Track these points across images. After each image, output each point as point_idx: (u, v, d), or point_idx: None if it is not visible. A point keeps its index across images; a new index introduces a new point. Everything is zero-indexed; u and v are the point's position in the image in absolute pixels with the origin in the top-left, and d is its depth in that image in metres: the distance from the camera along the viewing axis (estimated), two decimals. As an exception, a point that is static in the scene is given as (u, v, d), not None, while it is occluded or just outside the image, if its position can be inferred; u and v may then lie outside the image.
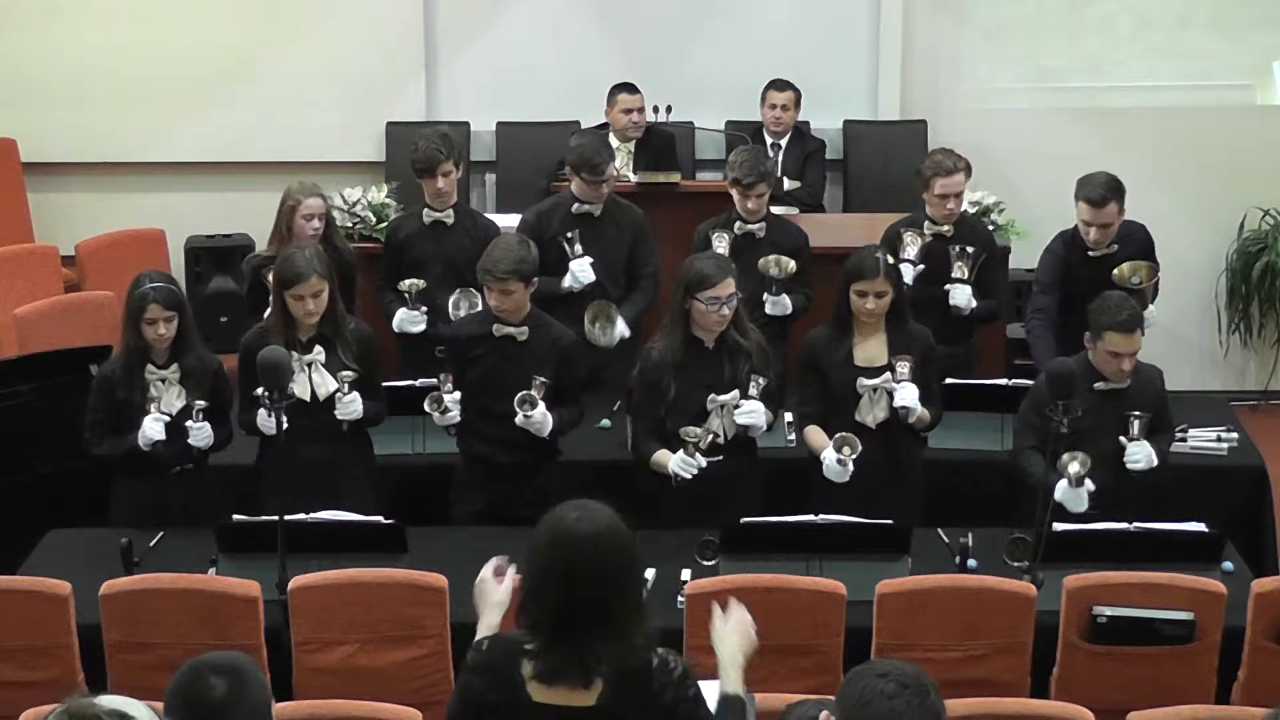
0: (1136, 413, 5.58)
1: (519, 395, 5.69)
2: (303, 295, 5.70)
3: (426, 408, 5.80)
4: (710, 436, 5.56)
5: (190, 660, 3.18)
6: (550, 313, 6.68)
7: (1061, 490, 5.36)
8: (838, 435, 5.63)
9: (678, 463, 5.56)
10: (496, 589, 3.80)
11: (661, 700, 3.46)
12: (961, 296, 6.58)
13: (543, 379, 5.71)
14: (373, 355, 5.88)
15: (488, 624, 3.74)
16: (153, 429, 5.67)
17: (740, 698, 3.65)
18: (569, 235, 6.67)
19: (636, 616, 3.45)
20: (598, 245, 6.72)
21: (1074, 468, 5.36)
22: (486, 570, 3.83)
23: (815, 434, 5.80)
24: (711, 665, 4.82)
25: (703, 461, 5.55)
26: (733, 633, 3.73)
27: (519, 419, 5.70)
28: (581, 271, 6.67)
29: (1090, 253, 6.57)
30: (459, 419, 5.82)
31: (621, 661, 3.42)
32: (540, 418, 5.72)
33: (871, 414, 5.76)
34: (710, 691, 4.18)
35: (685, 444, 5.54)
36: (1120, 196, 6.52)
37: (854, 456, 5.57)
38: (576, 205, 6.81)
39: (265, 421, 5.57)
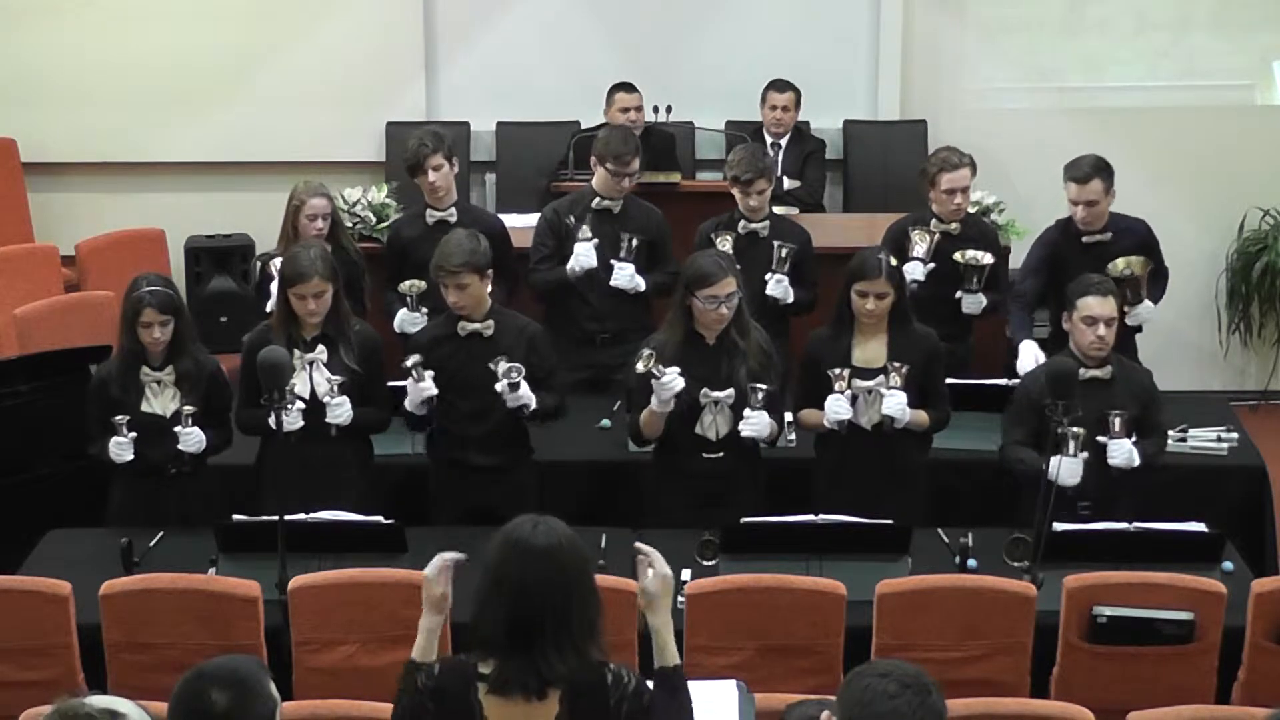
0: (1117, 411, 5.57)
1: (504, 368, 5.65)
2: (305, 295, 5.70)
3: (408, 365, 5.69)
4: (650, 357, 5.54)
5: (195, 668, 3.15)
6: (561, 304, 6.68)
7: (1057, 464, 5.26)
8: (830, 372, 5.67)
9: (659, 389, 5.56)
10: (435, 589, 3.68)
11: (618, 714, 3.45)
12: (975, 305, 6.63)
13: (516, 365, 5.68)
14: (375, 359, 5.87)
15: (424, 629, 3.64)
16: (119, 452, 5.67)
17: (680, 667, 3.57)
18: (577, 219, 6.65)
19: (591, 630, 3.41)
20: (615, 243, 6.72)
21: (1074, 434, 5.33)
22: (431, 568, 3.70)
23: (810, 413, 5.83)
24: (711, 665, 4.86)
25: (674, 370, 5.53)
26: (661, 593, 3.59)
27: (502, 384, 5.64)
28: (584, 255, 6.67)
29: (1084, 239, 6.60)
30: (435, 391, 5.74)
31: (576, 676, 3.39)
32: (525, 393, 5.69)
33: (866, 415, 5.76)
34: (712, 691, 4.19)
35: (649, 374, 5.54)
36: (1106, 176, 6.56)
37: (851, 391, 5.66)
38: (597, 200, 6.80)
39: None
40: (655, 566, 3.65)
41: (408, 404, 5.80)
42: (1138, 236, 6.68)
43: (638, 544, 3.71)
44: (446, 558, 3.74)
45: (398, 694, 3.59)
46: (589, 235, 6.68)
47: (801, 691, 4.34)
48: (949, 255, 6.64)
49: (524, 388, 5.67)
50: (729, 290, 5.59)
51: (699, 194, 7.65)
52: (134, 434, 5.67)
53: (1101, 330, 5.61)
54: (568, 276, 6.72)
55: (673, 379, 5.55)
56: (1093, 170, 6.56)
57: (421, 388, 5.72)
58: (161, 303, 5.67)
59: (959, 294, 6.63)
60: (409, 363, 5.73)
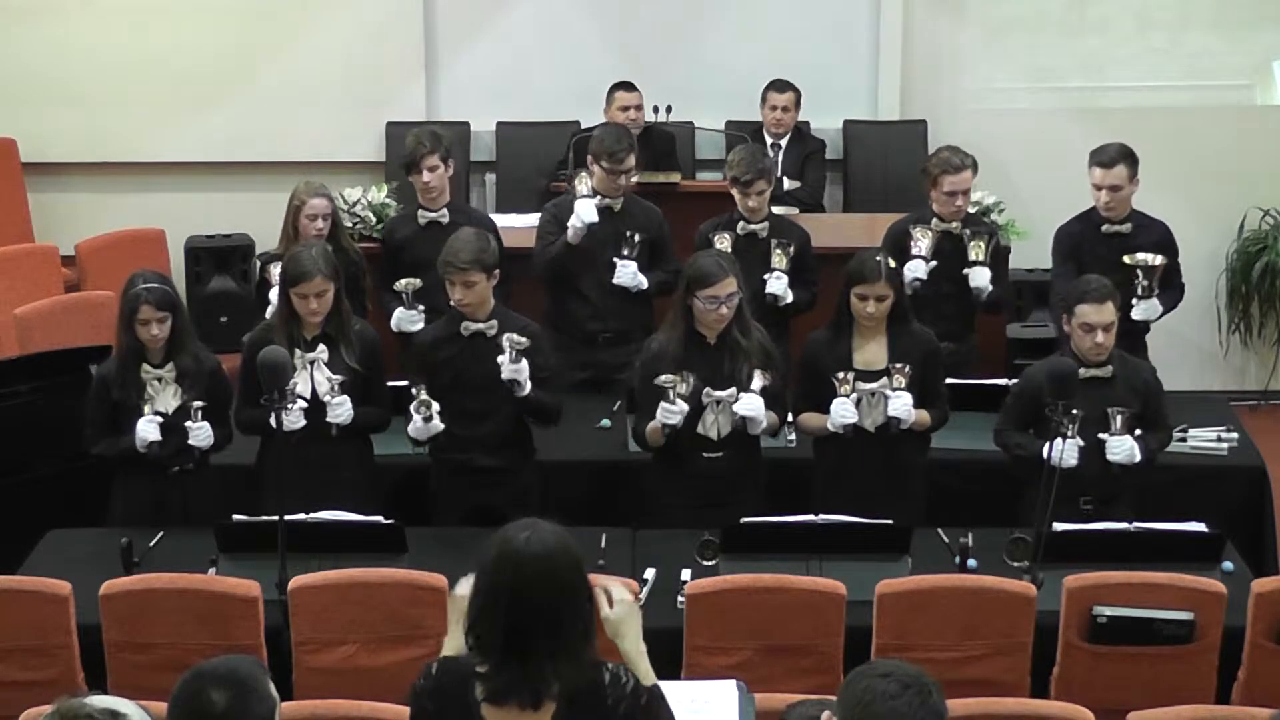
0: (1119, 408, 5.57)
1: (510, 338, 5.64)
2: (307, 294, 5.71)
3: (414, 411, 5.69)
4: (684, 383, 5.55)
5: (194, 668, 3.15)
6: (562, 303, 6.64)
7: (1055, 448, 5.26)
8: (834, 376, 5.67)
9: (661, 411, 5.56)
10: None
11: (616, 714, 3.44)
12: (982, 278, 6.59)
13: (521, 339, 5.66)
14: (376, 358, 5.87)
15: (455, 646, 3.60)
16: (146, 430, 5.67)
17: (658, 687, 3.54)
18: (582, 172, 6.64)
19: (585, 637, 3.39)
20: (617, 242, 6.71)
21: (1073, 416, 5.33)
22: (463, 586, 3.64)
23: (810, 416, 5.83)
24: (711, 665, 4.86)
25: (683, 406, 5.55)
26: (626, 619, 3.54)
27: (508, 357, 5.62)
28: (585, 210, 6.64)
29: (1103, 229, 6.63)
30: (441, 427, 5.73)
31: (571, 681, 3.38)
32: (523, 367, 5.67)
33: (870, 417, 5.76)
34: (712, 691, 4.19)
35: (662, 391, 5.55)
36: (1130, 163, 6.61)
37: (855, 394, 5.65)
38: (598, 199, 6.79)
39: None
40: (614, 593, 3.58)
41: (411, 432, 5.78)
42: (1157, 236, 6.69)
43: (593, 577, 3.59)
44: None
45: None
46: (588, 192, 6.65)
47: (801, 691, 4.34)
48: (949, 254, 6.64)
49: (524, 363, 5.66)
50: (729, 290, 5.59)
51: (699, 194, 7.65)
52: (159, 417, 5.67)
53: (1099, 337, 5.61)
54: (569, 241, 6.67)
55: (678, 412, 5.56)
56: (1118, 156, 6.62)
57: (430, 428, 5.71)
58: (159, 299, 5.67)
59: (965, 270, 6.61)
60: (416, 403, 5.70)
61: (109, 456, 5.79)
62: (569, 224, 6.69)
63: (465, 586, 3.58)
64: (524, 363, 5.67)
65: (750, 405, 5.61)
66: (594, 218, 6.65)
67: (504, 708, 3.39)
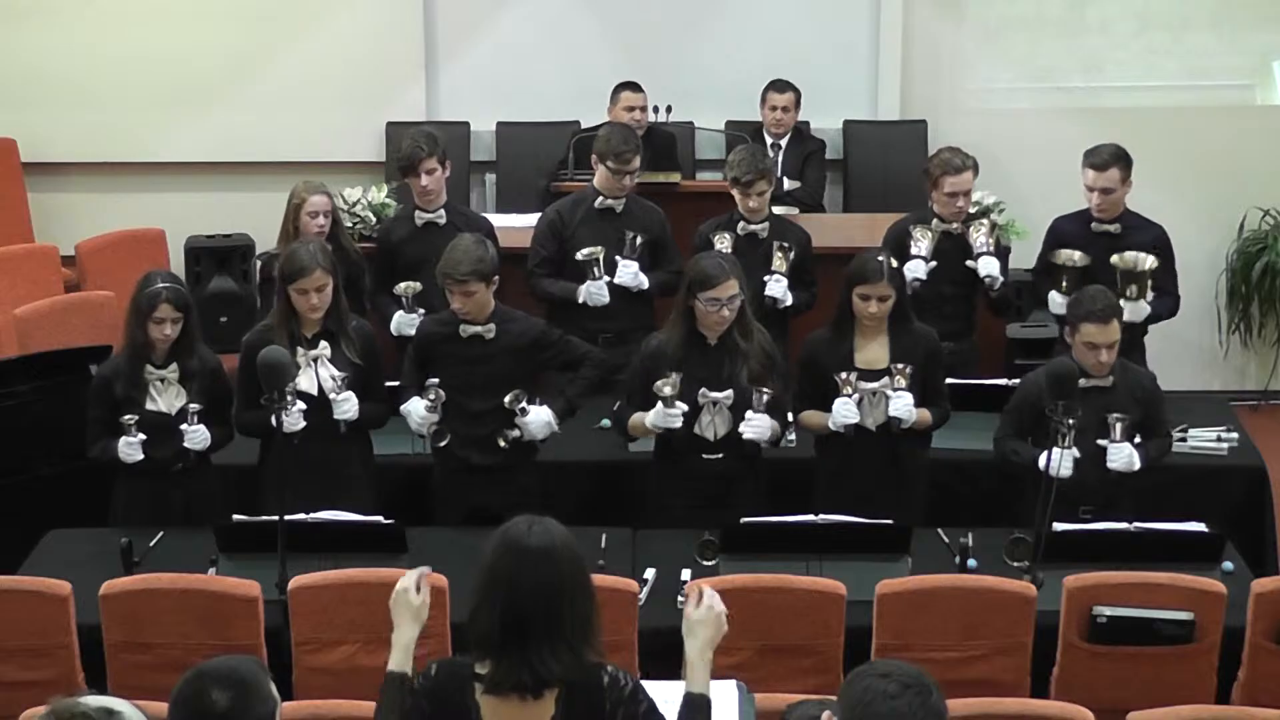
0: (1118, 414, 5.57)
1: (511, 396, 5.69)
2: (306, 289, 5.70)
3: (430, 397, 5.73)
4: (676, 379, 5.56)
5: (196, 667, 3.15)
6: (569, 318, 6.66)
7: (1056, 456, 5.26)
8: (836, 376, 5.68)
9: (656, 416, 5.59)
10: (416, 598, 3.65)
11: (614, 718, 3.44)
12: (991, 266, 6.58)
13: (516, 392, 5.72)
14: (375, 353, 5.89)
15: (404, 642, 3.60)
16: (127, 453, 5.69)
17: (706, 698, 3.56)
18: (594, 259, 6.64)
19: (586, 632, 3.40)
20: (618, 243, 6.71)
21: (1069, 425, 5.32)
22: (408, 579, 3.67)
23: (812, 415, 5.83)
24: (716, 664, 4.85)
25: (682, 406, 5.57)
26: (705, 622, 3.60)
27: (516, 432, 5.74)
28: (598, 293, 6.66)
29: (1093, 226, 6.61)
30: (437, 417, 5.78)
31: (571, 676, 3.39)
32: (534, 422, 5.73)
33: (871, 417, 5.76)
34: (712, 691, 4.19)
35: (660, 398, 5.58)
36: (1124, 165, 6.60)
37: (857, 394, 5.66)
38: (599, 200, 6.79)
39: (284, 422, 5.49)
40: (706, 597, 3.63)
41: (409, 408, 5.80)
42: (1150, 238, 6.67)
43: (695, 583, 3.69)
44: (419, 570, 3.73)
45: (380, 705, 3.58)
46: (602, 275, 6.64)
47: (801, 691, 4.34)
48: (950, 253, 6.64)
49: (533, 414, 5.74)
50: (731, 292, 5.59)
51: (699, 194, 7.64)
52: (142, 435, 5.68)
53: (1103, 355, 5.60)
54: (574, 298, 6.70)
55: (676, 415, 5.58)
56: (1111, 158, 6.60)
57: (429, 416, 5.76)
58: (176, 299, 5.70)
59: (969, 263, 6.59)
60: (429, 386, 5.74)
61: (105, 460, 5.78)
62: (580, 299, 6.67)
63: (411, 579, 3.62)
64: (533, 415, 5.76)
65: (757, 428, 5.61)
66: (605, 301, 6.66)
67: (504, 699, 3.39)
